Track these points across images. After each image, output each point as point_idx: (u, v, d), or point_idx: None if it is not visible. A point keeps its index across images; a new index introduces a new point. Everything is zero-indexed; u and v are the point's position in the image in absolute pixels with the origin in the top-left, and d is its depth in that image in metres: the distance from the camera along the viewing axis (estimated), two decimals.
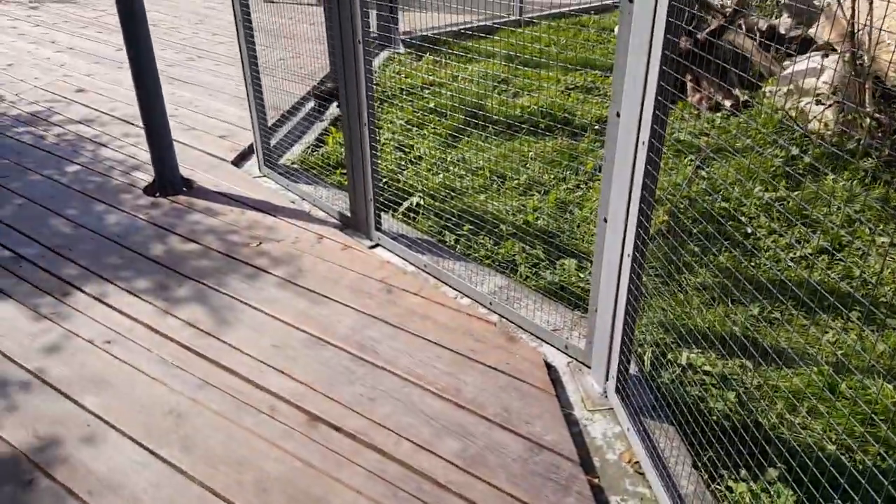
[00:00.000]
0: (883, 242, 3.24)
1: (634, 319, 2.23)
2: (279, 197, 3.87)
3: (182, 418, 2.35)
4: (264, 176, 4.17)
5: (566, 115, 4.70)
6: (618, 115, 2.05)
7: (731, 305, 2.98)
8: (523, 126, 4.50)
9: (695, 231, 3.32)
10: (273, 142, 4.28)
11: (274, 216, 3.64)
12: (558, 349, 2.67)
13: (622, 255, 2.15)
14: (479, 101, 4.81)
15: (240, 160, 4.38)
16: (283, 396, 2.45)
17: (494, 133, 4.49)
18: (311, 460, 2.20)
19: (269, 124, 4.29)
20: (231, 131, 4.75)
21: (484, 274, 3.02)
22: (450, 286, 3.07)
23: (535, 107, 4.82)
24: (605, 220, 2.23)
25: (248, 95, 4.02)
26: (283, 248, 3.35)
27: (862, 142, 3.81)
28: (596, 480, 2.14)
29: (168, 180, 3.85)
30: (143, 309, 2.91)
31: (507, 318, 2.84)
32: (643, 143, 1.95)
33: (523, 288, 2.99)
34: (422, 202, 3.63)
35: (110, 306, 2.94)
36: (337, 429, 2.32)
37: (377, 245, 3.42)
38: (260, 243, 3.39)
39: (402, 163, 4.15)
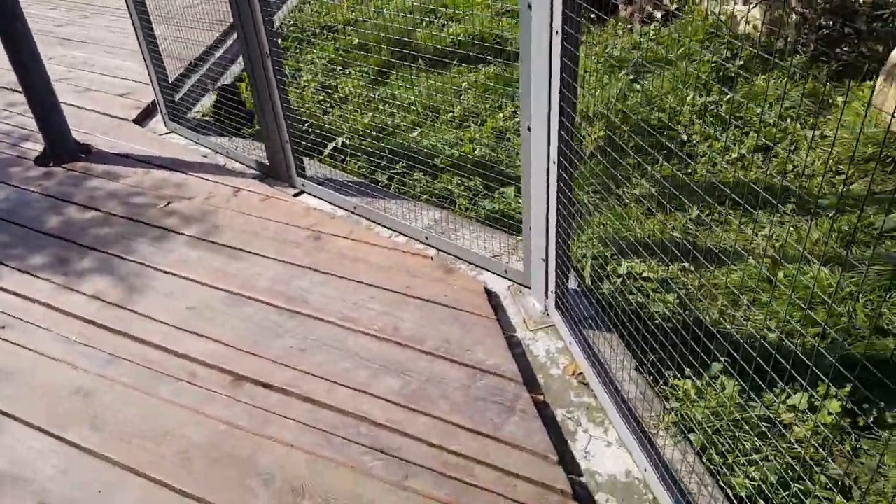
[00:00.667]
0: (814, 135, 3.23)
1: (569, 233, 2.14)
2: (189, 153, 3.59)
3: (90, 397, 2.16)
4: (171, 132, 3.85)
5: (498, 41, 4.49)
6: (529, 6, 1.89)
7: (669, 213, 2.94)
8: (455, 57, 4.29)
9: (631, 144, 3.24)
10: (180, 95, 3.95)
11: (184, 173, 3.37)
12: (498, 275, 2.56)
13: (548, 162, 2.02)
14: (405, 35, 4.56)
15: (143, 118, 4.03)
16: (202, 360, 2.28)
17: (425, 66, 4.26)
18: (237, 421, 2.05)
19: (177, 76, 3.95)
20: (133, 89, 4.36)
21: (419, 209, 2.87)
22: (383, 226, 2.91)
23: (466, 36, 4.60)
24: (529, 129, 2.09)
25: (140, 45, 3.66)
26: (195, 206, 3.10)
27: (789, 39, 3.77)
28: (541, 397, 2.07)
29: (61, 147, 3.51)
30: (40, 287, 2.65)
31: (444, 251, 2.72)
32: (556, 31, 1.80)
33: (461, 219, 2.86)
34: (347, 142, 3.42)
35: (1, 289, 2.66)
36: (265, 385, 2.18)
37: (302, 192, 3.21)
38: (169, 203, 3.14)
39: (328, 105, 3.90)
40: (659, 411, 1.98)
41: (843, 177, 3.04)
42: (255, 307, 2.49)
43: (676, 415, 1.96)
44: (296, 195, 3.18)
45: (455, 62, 4.28)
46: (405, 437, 1.96)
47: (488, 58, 4.23)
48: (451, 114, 3.81)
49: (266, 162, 3.29)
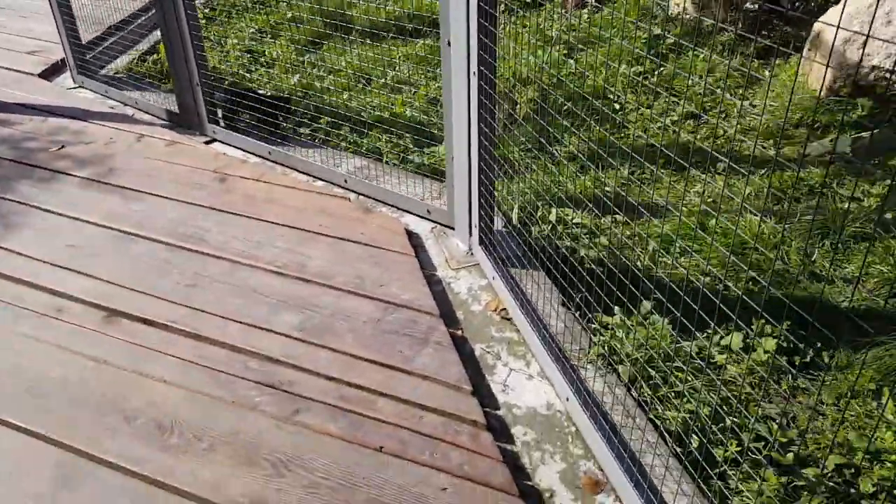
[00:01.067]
0: (742, 104, 3.18)
1: (493, 168, 1.93)
2: (96, 104, 3.23)
3: None
4: (79, 87, 3.48)
5: (435, 16, 4.33)
6: None
7: (602, 170, 2.80)
8: (391, 30, 4.11)
9: (565, 108, 3.11)
10: (93, 54, 3.59)
11: (85, 121, 3.01)
12: (420, 216, 2.33)
13: (468, 74, 1.82)
14: (341, 10, 4.38)
15: (51, 74, 3.64)
16: (75, 296, 1.94)
17: (361, 38, 4.09)
18: (108, 358, 1.73)
19: (93, 37, 3.60)
20: (43, 47, 3.96)
21: (341, 158, 2.62)
22: (301, 171, 2.64)
23: (403, 10, 4.43)
24: (448, 44, 1.89)
25: (50, 1, 3.31)
26: (92, 150, 2.75)
27: (717, 17, 3.76)
28: (459, 332, 1.84)
29: None
30: None
31: (365, 195, 2.47)
32: None
33: (387, 167, 2.62)
34: (268, 93, 3.14)
35: None
36: (145, 322, 1.86)
37: (213, 140, 2.90)
38: (62, 147, 2.77)
39: (252, 66, 3.63)
40: (585, 345, 1.77)
41: (772, 141, 2.98)
42: (146, 246, 2.17)
43: (603, 347, 1.75)
44: (207, 142, 2.88)
45: (391, 35, 4.11)
46: (301, 371, 1.68)
47: (426, 29, 4.08)
48: (382, 80, 3.61)
49: (177, 111, 2.97)
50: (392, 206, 2.40)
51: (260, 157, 2.75)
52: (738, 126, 3.08)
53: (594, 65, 3.63)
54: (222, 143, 2.87)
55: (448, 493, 1.39)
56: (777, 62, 3.49)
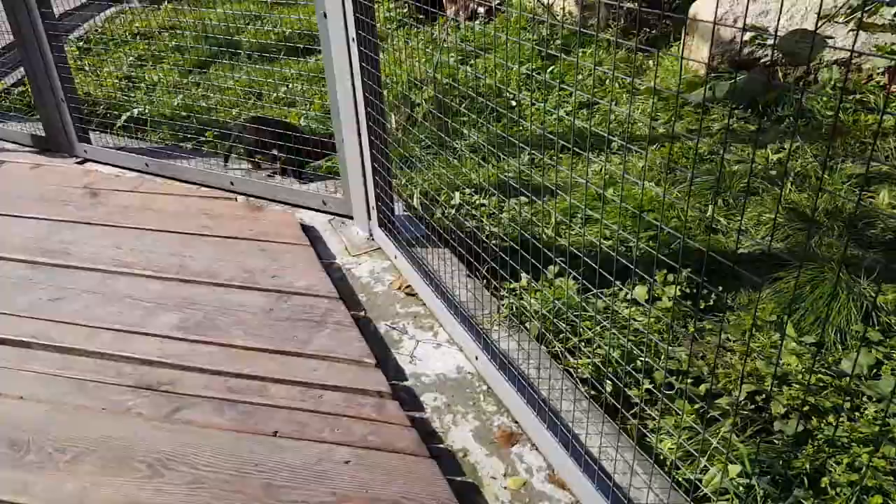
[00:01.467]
0: (632, 92, 3.40)
1: (387, 152, 1.93)
2: None
3: None
4: None
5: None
6: None
7: (502, 160, 2.87)
8: (281, 50, 4.13)
9: (463, 106, 3.19)
10: None
11: None
12: (317, 210, 2.28)
13: (348, 41, 1.82)
14: (230, 36, 4.37)
15: None
16: None
17: (251, 60, 4.08)
18: None
19: None
20: None
21: (230, 162, 2.53)
22: (183, 181, 2.52)
23: (294, 31, 4.47)
24: (325, 16, 1.89)
25: None
26: None
27: (600, 18, 4.04)
28: (362, 313, 1.77)
29: None
30: None
31: (255, 196, 2.39)
32: None
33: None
34: (145, 111, 3.03)
35: None
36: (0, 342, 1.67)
37: (86, 161, 2.74)
38: None
39: (130, 90, 3.50)
40: (493, 309, 1.75)
41: (662, 121, 3.18)
42: (0, 267, 1.98)
43: (511, 307, 1.75)
44: (80, 163, 2.71)
45: (282, 55, 4.14)
46: (182, 370, 1.56)
47: (318, 48, 4.12)
48: (275, 96, 3.60)
49: (43, 134, 2.80)
50: (285, 203, 2.33)
51: (137, 171, 2.62)
52: (630, 109, 3.28)
53: (487, 68, 3.79)
54: (95, 161, 2.72)
55: (351, 465, 1.30)
56: (660, 51, 3.77)
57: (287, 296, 1.80)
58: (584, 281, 1.93)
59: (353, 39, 1.77)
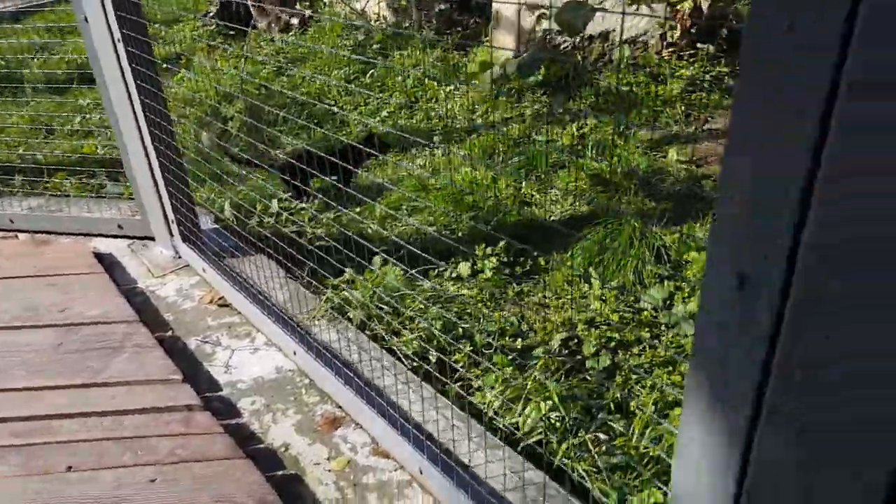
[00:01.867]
0: (450, 90, 3.60)
1: (181, 163, 1.89)
2: None
3: None
4: None
5: None
6: None
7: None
8: (73, 80, 3.89)
9: (281, 116, 3.20)
10: None
11: None
12: (113, 236, 2.16)
13: (113, 42, 1.76)
14: (14, 69, 4.03)
15: None
16: None
17: (36, 93, 3.79)
18: None
19: None
20: None
21: (5, 201, 2.32)
22: None
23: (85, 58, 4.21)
24: (86, 20, 1.81)
25: None
26: None
27: (413, 19, 4.24)
28: (169, 333, 1.71)
29: None
30: None
31: (40, 231, 2.21)
32: None
33: (69, 199, 2.39)
34: None
35: None
36: None
37: None
38: None
39: None
40: (314, 306, 1.78)
41: (479, 113, 3.41)
42: None
43: (331, 301, 1.78)
44: None
45: (75, 85, 3.89)
46: None
47: None
48: (69, 128, 3.37)
49: None
50: (77, 234, 2.19)
51: None
52: (446, 107, 3.48)
53: (305, 77, 3.82)
54: None
55: (158, 482, 1.25)
56: (472, 48, 4.03)
57: (77, 327, 1.69)
58: (405, 267, 2.03)
59: (119, 40, 1.72)
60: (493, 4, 3.78)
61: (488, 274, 2.06)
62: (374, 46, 4.15)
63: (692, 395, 0.64)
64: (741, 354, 0.57)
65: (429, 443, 1.28)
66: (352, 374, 1.47)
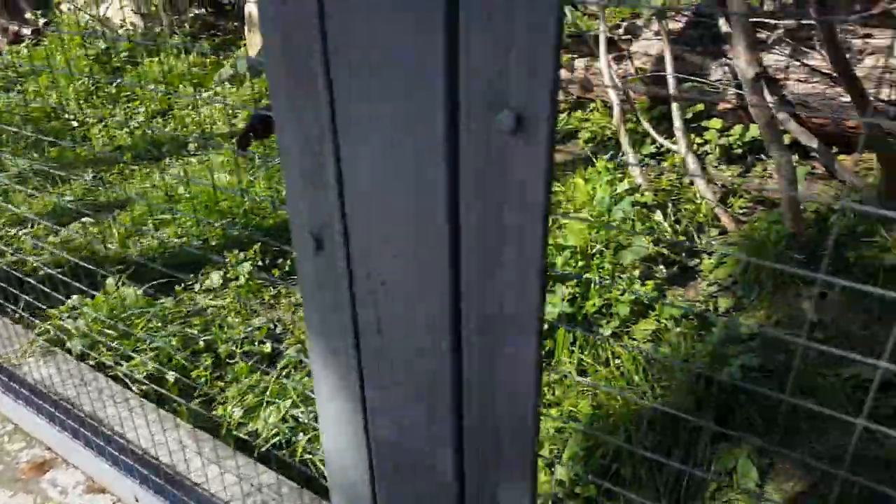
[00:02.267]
0: (206, 95, 3.46)
1: None
2: None
3: None
4: None
5: None
6: None
7: (63, 185, 2.65)
8: None
9: (12, 136, 2.84)
10: None
11: None
12: None
13: None
14: None
15: None
16: None
17: None
18: None
19: None
20: None
21: None
22: None
23: None
24: None
25: None
26: None
27: (164, 24, 4.01)
28: None
29: None
30: None
31: None
32: None
33: None
34: None
35: None
36: None
37: None
38: None
39: None
40: (25, 342, 1.60)
41: (241, 118, 3.31)
42: None
43: (46, 333, 1.62)
44: None
45: None
46: None
47: None
48: None
49: None
50: None
51: None
52: (204, 113, 3.33)
53: (40, 91, 3.45)
54: None
55: None
56: (227, 53, 3.91)
57: None
58: (146, 286, 1.91)
59: None
60: (246, 6, 3.70)
61: (242, 281, 2.01)
62: (122, 55, 3.85)
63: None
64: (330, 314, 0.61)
65: (140, 468, 1.22)
66: (62, 414, 1.34)
